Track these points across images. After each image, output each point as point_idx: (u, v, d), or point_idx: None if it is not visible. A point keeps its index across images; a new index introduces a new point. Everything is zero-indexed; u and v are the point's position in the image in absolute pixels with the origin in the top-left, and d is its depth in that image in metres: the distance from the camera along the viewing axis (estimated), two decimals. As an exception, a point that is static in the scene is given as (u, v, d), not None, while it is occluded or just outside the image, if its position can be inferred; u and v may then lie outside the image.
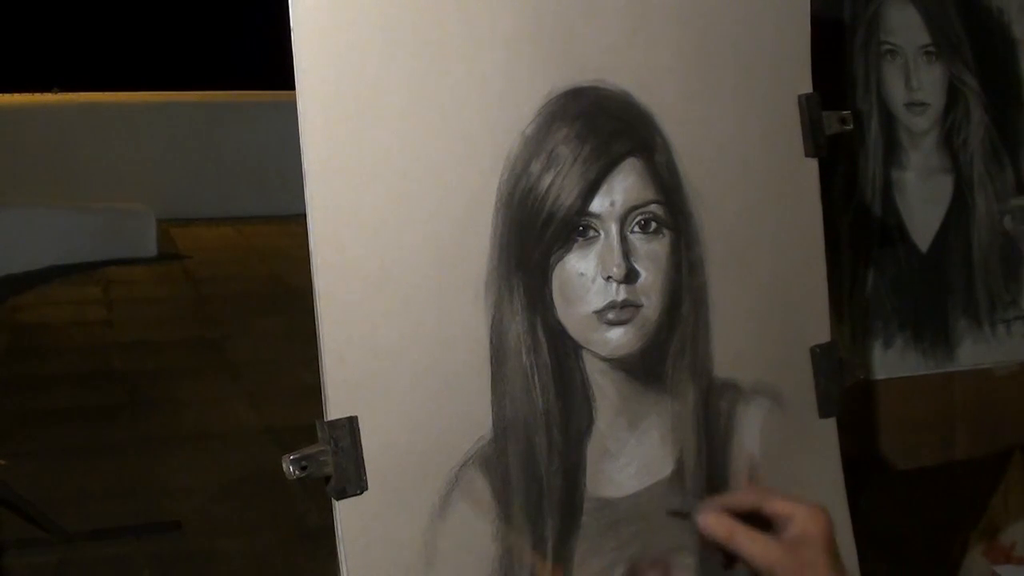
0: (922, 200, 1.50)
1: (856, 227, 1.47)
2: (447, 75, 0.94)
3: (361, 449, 0.88)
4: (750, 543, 0.91)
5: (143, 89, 7.33)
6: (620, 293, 1.01)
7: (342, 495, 0.88)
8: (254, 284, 5.43)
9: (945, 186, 1.52)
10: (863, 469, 1.31)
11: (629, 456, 1.02)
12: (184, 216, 6.69)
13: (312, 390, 0.92)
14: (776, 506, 0.93)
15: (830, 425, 1.16)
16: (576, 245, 0.99)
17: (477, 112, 0.95)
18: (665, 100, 1.05)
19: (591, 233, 1.00)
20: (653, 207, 1.03)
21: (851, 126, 1.19)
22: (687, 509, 0.97)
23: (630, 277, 1.01)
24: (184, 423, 3.52)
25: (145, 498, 2.94)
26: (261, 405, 3.66)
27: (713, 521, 0.93)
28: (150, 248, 6.04)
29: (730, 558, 0.96)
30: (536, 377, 0.97)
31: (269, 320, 4.55)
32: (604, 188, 1.00)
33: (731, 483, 1.06)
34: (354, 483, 0.88)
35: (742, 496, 0.97)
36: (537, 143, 0.98)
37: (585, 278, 0.99)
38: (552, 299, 0.99)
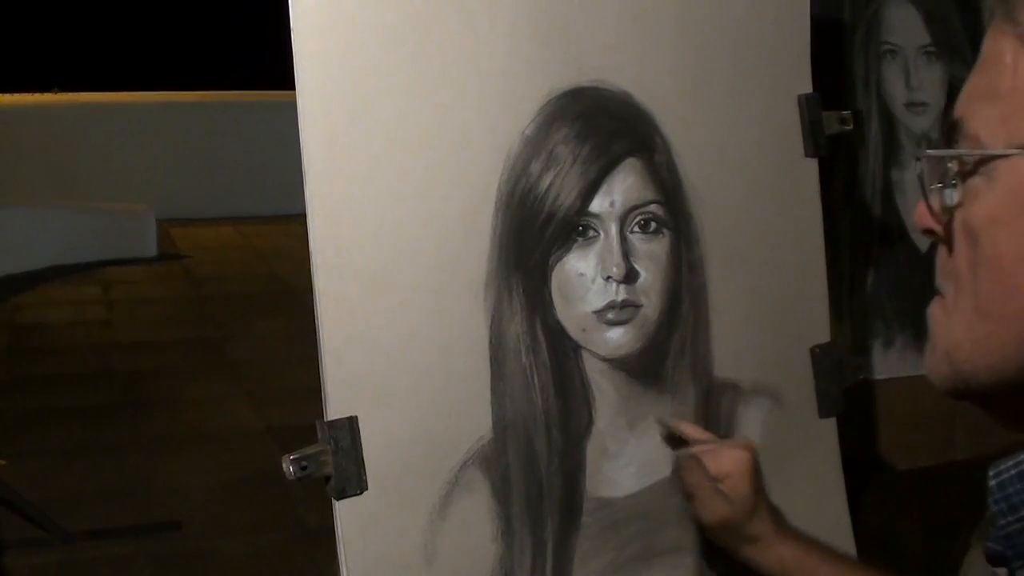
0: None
1: (856, 227, 1.47)
2: (447, 75, 0.94)
3: (361, 449, 0.88)
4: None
5: (143, 89, 7.31)
6: (620, 293, 1.00)
7: (342, 495, 0.88)
8: (254, 284, 5.42)
9: None
10: (863, 469, 1.31)
11: (629, 456, 1.02)
12: (184, 216, 6.67)
13: (312, 390, 0.92)
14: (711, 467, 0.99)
15: (830, 425, 1.16)
16: (576, 245, 0.99)
17: (477, 112, 0.95)
18: (665, 100, 1.05)
19: (591, 233, 1.00)
20: (653, 207, 1.03)
21: (851, 126, 1.19)
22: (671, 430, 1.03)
23: (630, 277, 1.01)
24: (184, 423, 3.51)
25: (145, 498, 2.94)
26: (261, 405, 3.65)
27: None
28: (150, 248, 6.03)
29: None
30: (536, 377, 0.97)
31: (269, 320, 4.54)
32: (604, 188, 1.00)
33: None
34: (354, 483, 0.88)
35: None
36: (537, 143, 0.98)
37: (585, 278, 0.99)
38: (552, 299, 0.99)
